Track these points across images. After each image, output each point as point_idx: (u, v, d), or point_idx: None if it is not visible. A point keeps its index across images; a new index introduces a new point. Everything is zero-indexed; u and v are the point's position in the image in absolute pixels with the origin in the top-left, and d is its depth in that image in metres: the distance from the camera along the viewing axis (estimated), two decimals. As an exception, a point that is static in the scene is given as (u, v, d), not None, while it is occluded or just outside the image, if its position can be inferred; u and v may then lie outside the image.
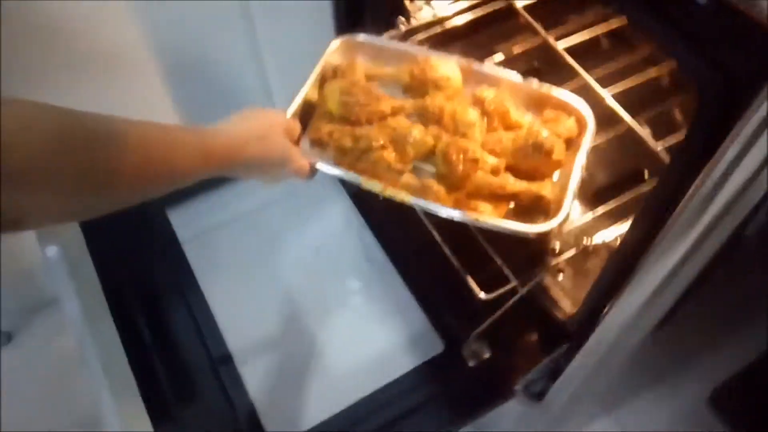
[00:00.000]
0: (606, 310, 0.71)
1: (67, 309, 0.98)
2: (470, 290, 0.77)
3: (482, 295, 0.75)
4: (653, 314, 0.72)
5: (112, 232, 0.97)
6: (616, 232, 0.80)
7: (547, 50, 0.93)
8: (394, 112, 0.84)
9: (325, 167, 0.78)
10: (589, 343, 0.76)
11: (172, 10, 1.06)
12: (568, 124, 0.82)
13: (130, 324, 0.96)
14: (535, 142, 0.78)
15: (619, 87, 0.85)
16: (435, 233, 0.81)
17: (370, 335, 0.97)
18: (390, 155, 0.79)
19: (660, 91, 0.94)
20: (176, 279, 1.01)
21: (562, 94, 0.85)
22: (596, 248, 0.80)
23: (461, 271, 0.77)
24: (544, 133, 0.79)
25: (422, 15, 0.94)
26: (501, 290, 0.76)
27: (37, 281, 1.37)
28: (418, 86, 0.86)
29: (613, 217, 0.83)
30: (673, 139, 0.76)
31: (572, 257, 0.81)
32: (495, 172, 0.79)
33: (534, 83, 0.86)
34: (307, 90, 0.85)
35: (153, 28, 1.09)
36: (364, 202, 1.03)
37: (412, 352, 0.93)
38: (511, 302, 0.79)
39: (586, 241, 0.78)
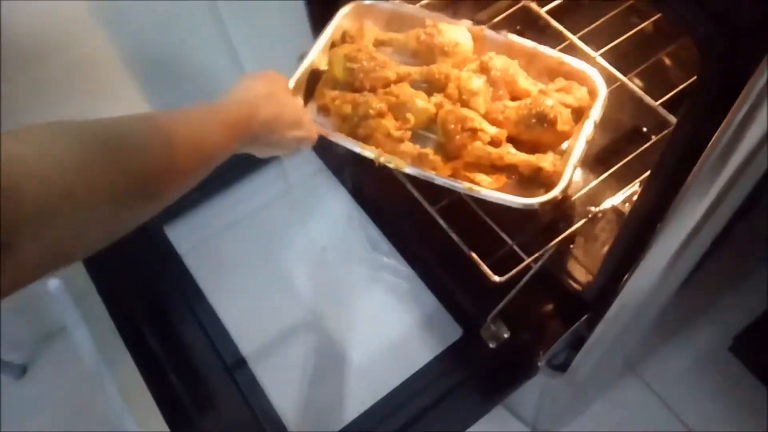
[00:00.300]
0: (626, 276, 0.69)
1: (77, 337, 0.97)
2: (483, 273, 0.75)
3: (496, 278, 0.73)
4: (676, 276, 0.70)
5: (112, 257, 0.95)
6: (623, 196, 0.77)
7: (528, 13, 0.89)
8: (399, 79, 0.83)
9: (325, 133, 0.77)
10: (611, 311, 0.74)
11: (138, 16, 1.03)
12: (579, 94, 0.79)
13: (141, 344, 0.95)
14: (538, 111, 0.75)
15: (606, 44, 0.83)
16: (439, 218, 0.78)
17: (385, 326, 0.96)
18: (389, 122, 0.78)
19: (648, 43, 0.90)
20: (181, 293, 1.00)
21: (575, 62, 0.82)
22: (605, 213, 0.78)
23: (472, 256, 0.75)
24: (549, 103, 0.76)
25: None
26: (514, 271, 0.74)
27: (45, 310, 1.35)
28: (425, 52, 0.83)
29: (619, 179, 0.79)
30: (669, 94, 0.74)
31: (582, 226, 0.78)
32: (495, 142, 0.77)
33: (548, 50, 0.82)
34: (314, 56, 0.84)
35: (122, 35, 1.05)
36: (363, 193, 1.01)
37: (430, 339, 0.91)
38: (524, 280, 0.77)
39: (593, 209, 0.76)
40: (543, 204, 0.72)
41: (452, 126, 0.76)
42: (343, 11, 0.88)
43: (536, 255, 0.76)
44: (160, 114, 0.51)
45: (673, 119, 0.71)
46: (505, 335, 0.84)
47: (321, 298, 1.01)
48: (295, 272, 1.03)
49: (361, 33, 0.86)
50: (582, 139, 0.75)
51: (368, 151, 0.77)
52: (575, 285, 0.83)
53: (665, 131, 0.80)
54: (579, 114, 0.79)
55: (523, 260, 0.77)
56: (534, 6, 0.86)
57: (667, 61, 0.92)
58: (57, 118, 0.43)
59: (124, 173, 0.44)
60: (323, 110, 0.83)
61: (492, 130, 0.77)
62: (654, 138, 0.82)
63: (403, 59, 0.86)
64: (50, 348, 1.37)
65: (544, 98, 0.77)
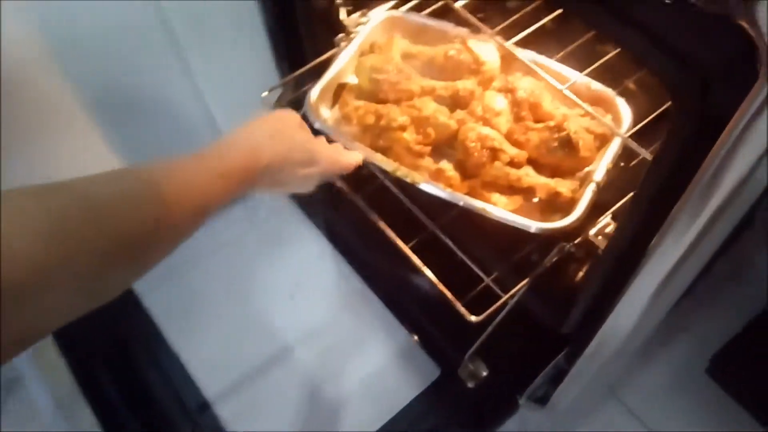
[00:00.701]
0: (605, 311, 0.67)
1: (33, 390, 0.91)
2: (459, 317, 0.72)
3: (472, 318, 0.71)
4: (660, 308, 0.67)
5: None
6: (595, 229, 0.75)
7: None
8: (423, 93, 0.82)
9: (343, 141, 0.76)
10: (591, 346, 0.73)
11: (96, 55, 0.99)
12: (604, 122, 0.77)
13: (101, 396, 0.90)
14: (561, 136, 0.75)
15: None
16: (413, 256, 0.76)
17: (359, 365, 0.93)
18: (410, 136, 0.77)
19: (613, 69, 0.89)
20: (142, 337, 0.96)
21: (602, 89, 0.81)
22: (579, 246, 0.76)
23: (447, 296, 0.73)
24: (573, 128, 0.75)
25: (362, 27, 0.89)
26: (490, 310, 0.71)
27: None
28: (451, 69, 0.83)
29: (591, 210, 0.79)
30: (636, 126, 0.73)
31: (556, 260, 0.76)
32: (515, 164, 0.76)
33: (575, 74, 0.82)
34: (341, 66, 0.84)
35: (79, 73, 1.01)
36: (335, 230, 0.98)
37: (407, 378, 0.89)
38: (500, 316, 0.75)
39: (566, 245, 0.74)
40: (558, 230, 0.70)
41: (472, 144, 0.76)
42: (374, 22, 0.88)
43: (512, 292, 0.74)
44: (144, 168, 0.46)
45: (642, 151, 0.70)
46: (484, 373, 0.81)
47: (291, 336, 0.97)
48: (264, 309, 1.00)
49: (390, 45, 0.86)
50: (603, 167, 0.74)
51: (386, 163, 0.76)
52: (551, 320, 0.81)
53: (634, 161, 0.79)
54: (602, 141, 0.78)
55: (499, 297, 0.74)
56: (500, 40, 0.84)
57: (632, 87, 0.91)
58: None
59: (104, 239, 0.40)
60: (346, 119, 0.82)
61: (512, 151, 0.77)
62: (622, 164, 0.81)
63: (429, 74, 0.85)
64: (4, 402, 1.30)
65: (568, 123, 0.77)
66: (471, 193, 0.76)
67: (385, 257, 0.88)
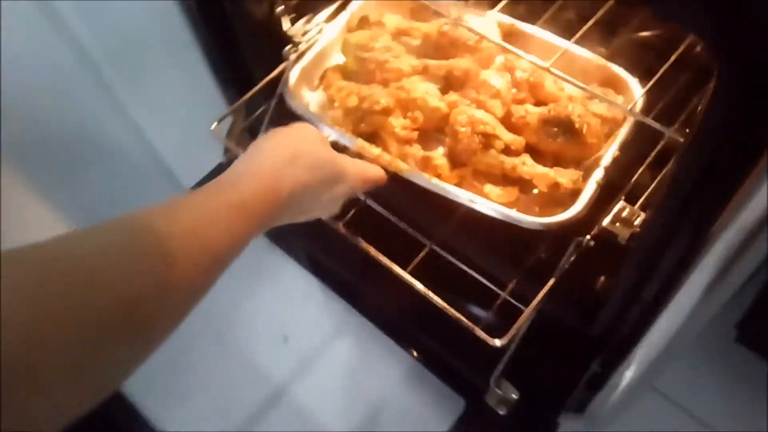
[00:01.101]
0: (650, 307, 0.59)
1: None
2: (477, 338, 0.62)
3: (497, 342, 0.61)
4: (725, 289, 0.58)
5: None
6: (610, 216, 0.65)
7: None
8: (414, 73, 0.75)
9: (322, 128, 0.70)
10: (638, 348, 0.64)
11: (21, 105, 0.87)
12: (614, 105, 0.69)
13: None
14: (562, 119, 0.67)
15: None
16: (415, 283, 0.66)
17: (376, 407, 0.82)
18: (396, 120, 0.70)
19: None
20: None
21: (615, 67, 0.73)
22: (595, 238, 0.67)
23: (464, 322, 0.63)
24: (577, 111, 0.67)
25: (311, 35, 0.80)
26: (513, 329, 0.62)
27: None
28: (447, 46, 0.75)
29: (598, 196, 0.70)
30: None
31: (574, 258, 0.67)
32: (512, 151, 0.69)
33: (585, 52, 0.74)
34: (326, 42, 0.78)
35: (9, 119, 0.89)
36: (320, 265, 0.87)
37: (433, 417, 0.78)
38: (522, 332, 0.65)
39: (583, 239, 0.65)
40: (555, 226, 0.63)
41: (462, 128, 0.68)
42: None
43: (533, 303, 0.64)
44: (139, 214, 0.39)
45: (666, 130, 0.60)
46: (514, 396, 0.71)
47: (288, 380, 0.87)
48: (254, 355, 0.89)
49: (381, 21, 0.78)
50: (608, 156, 0.66)
51: (369, 149, 0.69)
52: (579, 324, 0.72)
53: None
54: (613, 126, 0.69)
55: (518, 310, 0.65)
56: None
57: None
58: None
59: (95, 305, 0.32)
60: (330, 102, 0.75)
61: (507, 137, 0.69)
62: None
63: (425, 53, 0.77)
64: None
65: (572, 105, 0.68)
66: (461, 184, 0.68)
67: (382, 286, 0.78)
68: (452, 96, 0.72)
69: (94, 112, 0.96)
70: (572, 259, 0.65)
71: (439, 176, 0.68)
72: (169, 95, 0.96)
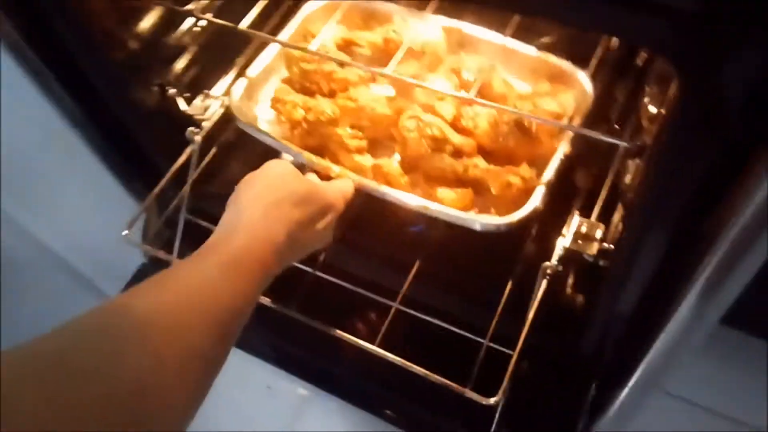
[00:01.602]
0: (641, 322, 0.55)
1: None
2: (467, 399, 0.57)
3: (492, 400, 0.56)
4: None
5: None
6: (570, 234, 0.63)
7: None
8: (361, 82, 0.74)
9: (268, 141, 0.69)
10: (638, 372, 0.60)
11: None
12: (564, 99, 0.69)
13: None
14: (514, 119, 0.66)
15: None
16: (389, 356, 0.61)
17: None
18: (343, 131, 0.69)
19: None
20: None
21: (561, 62, 0.72)
22: (562, 260, 0.63)
23: (451, 386, 0.57)
24: (526, 109, 0.67)
25: (212, 110, 0.74)
26: (506, 379, 0.57)
27: None
28: (394, 52, 0.72)
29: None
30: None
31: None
32: (462, 154, 0.68)
33: (529, 49, 0.74)
34: (271, 57, 0.77)
35: None
36: (281, 352, 0.78)
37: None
38: (508, 375, 0.60)
39: (549, 264, 0.61)
40: (508, 226, 0.62)
41: (410, 133, 0.67)
42: (308, 8, 0.80)
43: (519, 346, 0.59)
44: (120, 297, 0.37)
45: (618, 141, 0.58)
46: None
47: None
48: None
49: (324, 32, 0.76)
50: (558, 153, 0.65)
51: (317, 162, 0.67)
52: (566, 350, 0.68)
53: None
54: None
55: (503, 354, 0.60)
56: None
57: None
58: None
59: (89, 404, 0.30)
60: (278, 117, 0.74)
61: (456, 139, 0.68)
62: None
63: (377, 62, 0.75)
64: None
65: (522, 103, 0.68)
66: (415, 191, 0.67)
67: (353, 365, 0.72)
68: (399, 102, 0.72)
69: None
70: (544, 287, 0.61)
71: (388, 183, 0.66)
72: (68, 206, 0.87)
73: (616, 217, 0.66)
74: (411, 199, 0.64)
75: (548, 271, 0.62)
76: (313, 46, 0.74)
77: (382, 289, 0.67)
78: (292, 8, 0.84)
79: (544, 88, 0.71)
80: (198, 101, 0.75)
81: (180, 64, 0.75)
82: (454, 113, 0.70)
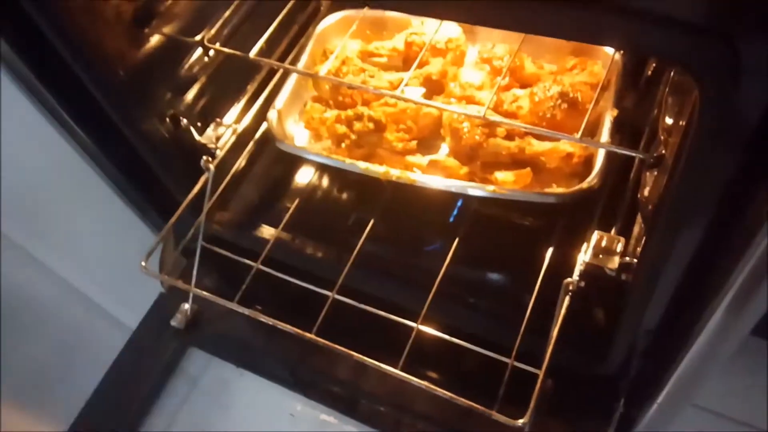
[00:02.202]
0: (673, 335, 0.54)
1: None
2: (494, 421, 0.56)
3: (520, 422, 0.55)
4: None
5: None
6: (589, 250, 0.62)
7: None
8: (393, 88, 0.74)
9: (320, 160, 0.72)
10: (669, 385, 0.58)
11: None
12: (595, 69, 0.72)
13: None
14: (558, 93, 0.68)
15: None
16: (414, 380, 0.59)
17: None
18: (392, 134, 0.71)
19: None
20: None
21: None
22: (584, 276, 0.62)
23: (478, 409, 0.56)
24: (566, 82, 0.69)
25: (225, 139, 0.74)
26: (533, 400, 0.56)
27: None
28: (416, 55, 0.75)
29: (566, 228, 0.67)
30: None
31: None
32: (512, 136, 0.70)
33: None
34: (295, 80, 0.78)
35: None
36: (300, 378, 0.77)
37: None
38: (536, 393, 0.59)
39: (571, 280, 0.60)
40: (583, 193, 0.63)
41: (461, 125, 0.69)
42: (323, 26, 0.83)
43: (545, 365, 0.58)
44: None
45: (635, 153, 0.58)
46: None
47: None
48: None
49: (344, 47, 0.78)
50: (608, 116, 0.67)
51: (374, 169, 0.69)
52: (592, 367, 0.67)
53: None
54: (604, 89, 0.70)
55: (528, 373, 0.59)
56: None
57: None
58: None
59: None
60: (315, 135, 0.76)
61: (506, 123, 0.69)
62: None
63: (396, 68, 0.79)
64: None
65: (560, 78, 0.71)
66: (471, 178, 0.69)
67: (375, 385, 0.71)
68: (438, 99, 0.73)
69: (14, 280, 0.86)
70: (567, 303, 0.60)
71: (449, 176, 0.68)
72: (84, 238, 0.86)
73: (636, 230, 0.66)
74: (475, 189, 0.66)
75: (570, 288, 0.61)
76: (329, 64, 0.74)
77: (402, 311, 0.66)
78: (301, 32, 0.85)
79: (571, 63, 0.74)
80: (209, 131, 0.75)
81: (191, 93, 0.75)
82: (495, 99, 0.71)
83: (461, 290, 0.68)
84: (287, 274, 0.70)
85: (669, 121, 0.56)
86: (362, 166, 0.69)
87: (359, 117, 0.71)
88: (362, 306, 0.66)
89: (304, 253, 0.76)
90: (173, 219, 0.70)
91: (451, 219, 0.74)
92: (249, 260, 0.71)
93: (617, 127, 0.68)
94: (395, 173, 0.68)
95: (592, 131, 0.69)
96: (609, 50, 0.73)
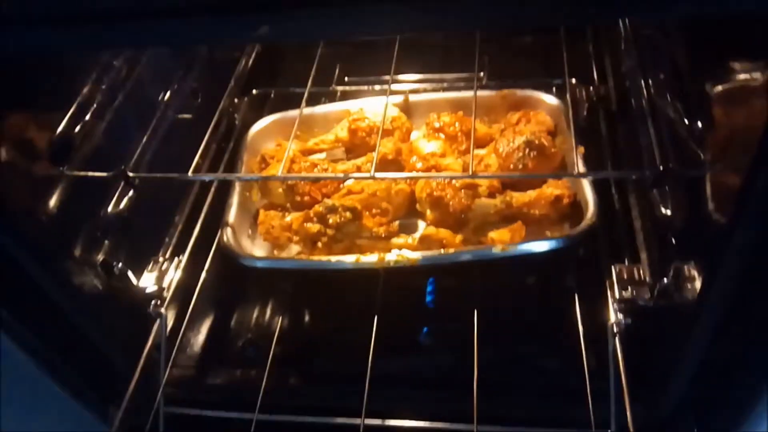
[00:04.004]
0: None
1: None
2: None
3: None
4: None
5: None
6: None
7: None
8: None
9: (303, 265, 0.65)
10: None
11: None
12: (540, 118, 0.73)
13: None
14: (524, 143, 0.68)
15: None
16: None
17: None
18: (369, 220, 0.67)
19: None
20: None
21: (519, 91, 0.78)
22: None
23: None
24: (526, 131, 0.70)
25: (171, 276, 0.66)
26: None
27: None
28: (361, 142, 0.75)
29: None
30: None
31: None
32: (493, 193, 0.68)
33: (484, 92, 0.78)
34: (237, 194, 0.72)
35: None
36: None
37: None
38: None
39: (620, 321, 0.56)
40: (590, 228, 0.62)
41: (444, 192, 0.66)
42: (253, 131, 0.79)
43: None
44: None
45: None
46: None
47: None
48: None
49: (282, 150, 0.75)
50: (575, 154, 0.65)
51: (367, 260, 0.63)
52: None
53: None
54: (552, 135, 0.72)
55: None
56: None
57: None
58: None
59: None
60: (278, 244, 0.69)
61: (484, 181, 0.69)
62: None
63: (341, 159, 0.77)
64: None
65: (518, 129, 0.71)
66: (468, 244, 0.65)
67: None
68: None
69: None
70: (619, 347, 0.55)
71: (444, 246, 0.63)
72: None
73: (643, 255, 0.64)
74: (485, 252, 0.62)
75: (615, 329, 0.56)
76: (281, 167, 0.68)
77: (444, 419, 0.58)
78: (225, 145, 0.81)
79: (516, 117, 0.74)
80: (150, 271, 0.65)
81: (120, 232, 0.63)
82: (461, 163, 0.70)
83: (501, 375, 0.60)
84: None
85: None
86: (351, 261, 0.62)
87: (332, 209, 0.65)
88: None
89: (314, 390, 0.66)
90: (119, 414, 0.57)
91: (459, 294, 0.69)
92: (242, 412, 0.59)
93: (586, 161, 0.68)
94: (391, 258, 0.62)
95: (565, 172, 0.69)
96: (548, 99, 0.76)
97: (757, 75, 0.38)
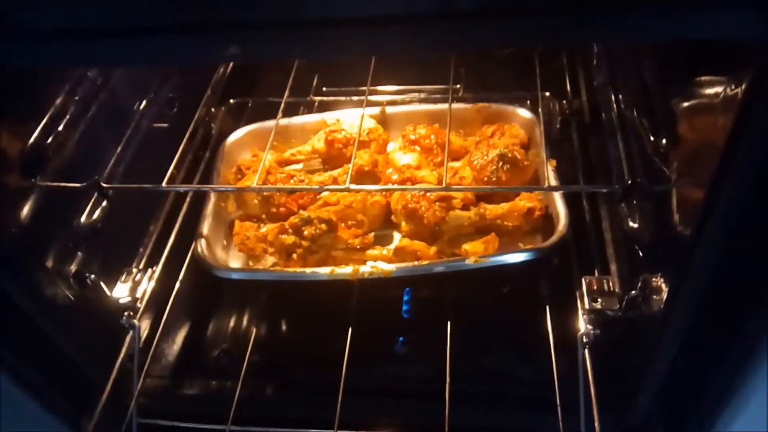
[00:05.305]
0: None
1: None
2: None
3: None
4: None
5: None
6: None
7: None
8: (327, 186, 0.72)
9: (279, 276, 0.65)
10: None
11: None
12: (514, 131, 0.75)
13: None
14: (497, 156, 0.69)
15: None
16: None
17: None
18: (345, 231, 0.67)
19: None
20: None
21: (500, 106, 0.79)
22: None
23: None
24: (500, 144, 0.71)
25: (144, 287, 0.65)
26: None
27: None
28: (338, 153, 0.75)
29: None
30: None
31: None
32: (467, 206, 0.69)
33: (458, 105, 0.79)
34: (212, 204, 0.72)
35: None
36: None
37: None
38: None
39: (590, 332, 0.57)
40: (563, 240, 0.63)
41: (419, 204, 0.67)
42: (230, 141, 0.78)
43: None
44: None
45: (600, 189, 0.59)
46: None
47: None
48: None
49: (259, 159, 0.74)
50: (547, 166, 0.66)
51: (342, 272, 0.63)
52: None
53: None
54: (525, 148, 0.74)
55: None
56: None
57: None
58: None
59: None
60: (254, 256, 0.69)
61: (458, 194, 0.69)
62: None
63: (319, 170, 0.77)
64: None
65: (492, 142, 0.72)
66: (442, 255, 0.66)
67: None
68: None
69: None
70: (588, 358, 0.56)
71: (419, 258, 0.65)
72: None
73: (613, 266, 0.65)
74: (459, 263, 0.63)
75: (585, 339, 0.57)
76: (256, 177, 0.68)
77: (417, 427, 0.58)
78: (201, 154, 0.80)
79: (491, 130, 0.75)
80: (123, 282, 0.64)
81: (93, 243, 0.63)
82: (437, 175, 0.71)
83: (473, 385, 0.61)
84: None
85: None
86: (327, 274, 0.63)
87: (308, 221, 0.65)
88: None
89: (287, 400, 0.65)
90: (100, 404, 0.56)
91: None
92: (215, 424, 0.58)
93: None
94: (365, 269, 0.62)
95: (537, 185, 0.70)
96: (522, 112, 0.77)
97: (719, 92, 0.39)
